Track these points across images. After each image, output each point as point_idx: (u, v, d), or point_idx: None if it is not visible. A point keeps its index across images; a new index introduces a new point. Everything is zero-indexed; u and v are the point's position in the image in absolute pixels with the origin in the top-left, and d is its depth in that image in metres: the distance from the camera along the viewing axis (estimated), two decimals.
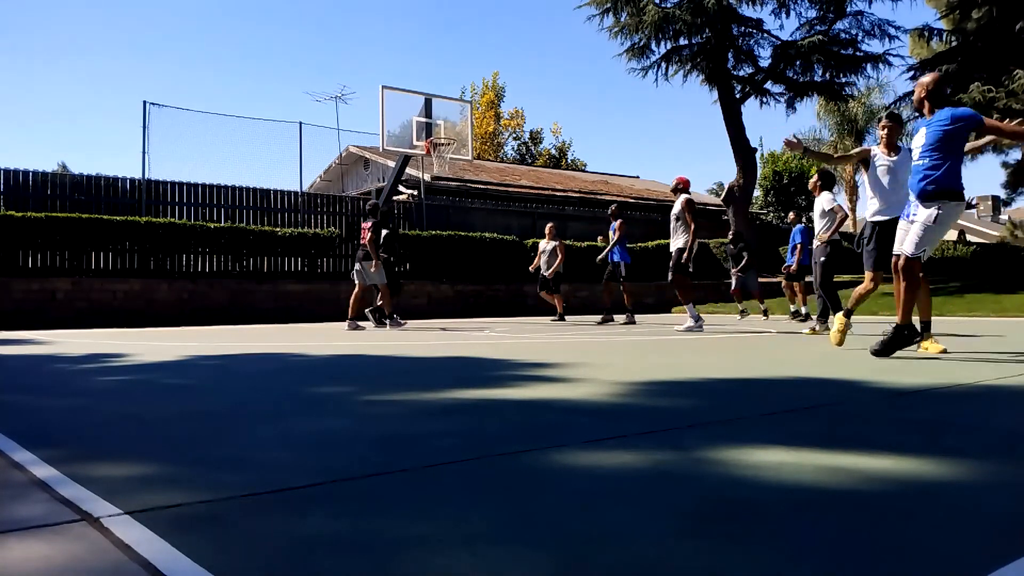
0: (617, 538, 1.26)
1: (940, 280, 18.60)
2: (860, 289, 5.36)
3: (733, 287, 12.44)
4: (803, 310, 10.96)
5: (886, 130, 5.54)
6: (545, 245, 11.87)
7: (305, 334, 8.73)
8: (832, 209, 7.64)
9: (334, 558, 1.17)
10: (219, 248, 13.35)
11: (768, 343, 6.59)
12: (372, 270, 9.76)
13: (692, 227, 8.26)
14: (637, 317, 11.62)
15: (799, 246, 11.01)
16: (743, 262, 12.32)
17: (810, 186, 8.01)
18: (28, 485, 1.64)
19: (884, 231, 5.26)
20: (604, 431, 2.27)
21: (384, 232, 10.28)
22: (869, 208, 5.53)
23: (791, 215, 12.32)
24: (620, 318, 11.30)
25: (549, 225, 11.98)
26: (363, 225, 10.28)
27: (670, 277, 8.56)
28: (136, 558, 1.16)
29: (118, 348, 6.27)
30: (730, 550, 1.20)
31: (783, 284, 11.67)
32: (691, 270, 8.42)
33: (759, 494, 1.54)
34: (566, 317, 12.09)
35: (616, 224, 11.06)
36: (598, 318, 11.55)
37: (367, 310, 10.51)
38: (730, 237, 13.03)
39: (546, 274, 11.74)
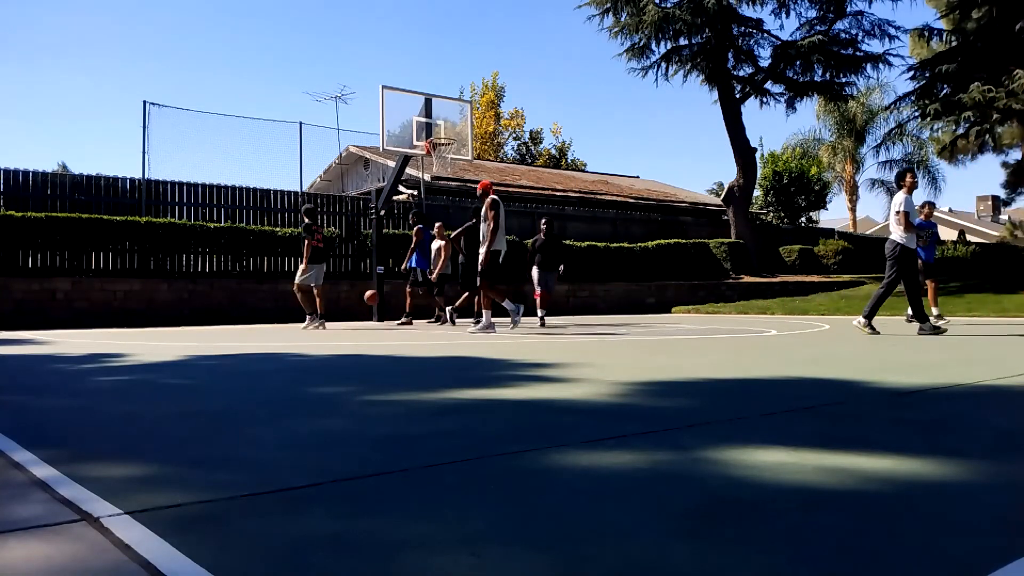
0: (617, 538, 1.26)
1: (940, 280, 18.58)
2: None
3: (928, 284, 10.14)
4: (934, 311, 10.03)
5: None
6: (434, 244, 11.69)
7: (305, 334, 8.73)
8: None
9: (334, 558, 1.17)
10: (219, 248, 13.35)
11: (768, 343, 6.59)
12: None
13: (492, 226, 8.26)
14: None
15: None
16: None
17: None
18: (28, 485, 1.64)
19: None
20: (604, 431, 2.27)
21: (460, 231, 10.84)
22: None
23: (926, 208, 10.16)
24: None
25: (438, 225, 11.73)
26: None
27: (479, 282, 8.58)
28: (136, 558, 1.16)
29: (118, 348, 6.27)
30: (730, 550, 1.20)
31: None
32: (495, 269, 8.32)
33: (759, 494, 1.54)
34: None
35: (414, 231, 11.47)
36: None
37: (448, 308, 11.26)
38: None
39: (431, 277, 11.43)
